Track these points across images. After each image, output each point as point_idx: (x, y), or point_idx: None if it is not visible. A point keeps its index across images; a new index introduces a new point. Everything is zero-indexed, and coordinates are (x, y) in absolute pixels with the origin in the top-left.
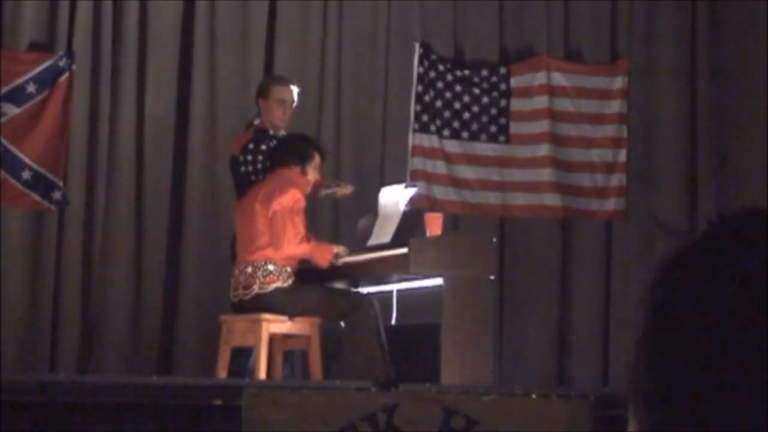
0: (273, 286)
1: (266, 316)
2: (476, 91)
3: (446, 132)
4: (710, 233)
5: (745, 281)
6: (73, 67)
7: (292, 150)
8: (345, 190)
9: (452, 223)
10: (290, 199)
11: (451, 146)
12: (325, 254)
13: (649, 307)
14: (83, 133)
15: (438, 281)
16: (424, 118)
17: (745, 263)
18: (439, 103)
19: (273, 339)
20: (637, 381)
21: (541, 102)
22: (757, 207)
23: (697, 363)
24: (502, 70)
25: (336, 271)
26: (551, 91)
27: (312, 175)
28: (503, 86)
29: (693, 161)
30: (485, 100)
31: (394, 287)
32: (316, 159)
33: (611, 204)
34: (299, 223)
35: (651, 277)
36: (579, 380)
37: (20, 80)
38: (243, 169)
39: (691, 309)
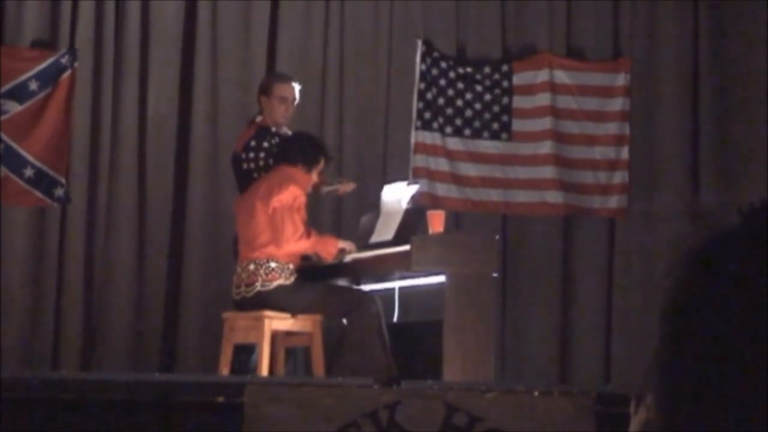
0: (275, 283)
1: (268, 313)
2: (479, 88)
3: (448, 129)
4: (744, 225)
5: None
6: (76, 64)
7: (300, 149)
8: (347, 187)
9: (454, 221)
10: (290, 195)
11: (454, 143)
12: (330, 248)
13: (677, 298)
14: (85, 130)
15: (440, 279)
16: (427, 115)
17: None
18: (441, 101)
19: (275, 336)
20: (659, 377)
21: (543, 99)
22: None
23: (721, 363)
24: (505, 68)
25: (338, 269)
26: (554, 88)
27: (314, 177)
28: (506, 83)
29: (695, 158)
30: (488, 97)
31: (396, 284)
32: (322, 164)
33: (614, 201)
34: (298, 219)
35: (675, 266)
36: (581, 377)
37: (23, 77)
38: (245, 166)
39: (726, 304)
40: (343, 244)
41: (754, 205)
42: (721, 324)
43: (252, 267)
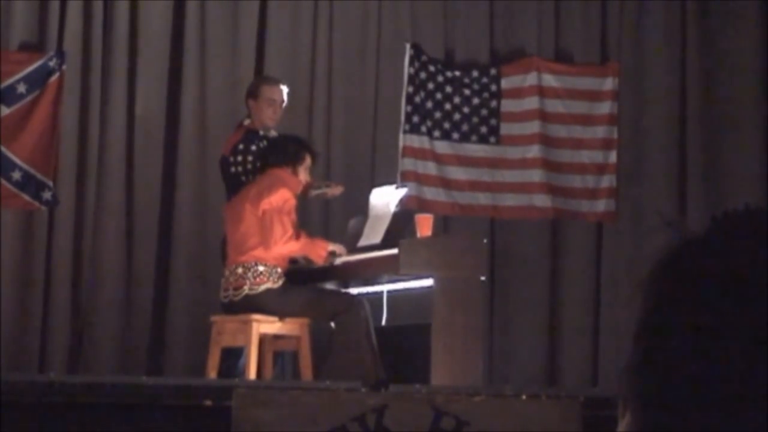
0: (263, 286)
1: (256, 316)
2: (467, 92)
3: (437, 133)
4: (714, 230)
5: (748, 280)
6: (64, 67)
7: (284, 150)
8: (335, 190)
9: (443, 224)
10: (279, 198)
11: (442, 147)
12: (320, 251)
13: (649, 301)
14: (73, 133)
15: (428, 282)
16: (415, 119)
17: (748, 262)
18: (429, 104)
19: (263, 339)
20: (632, 378)
21: (531, 103)
22: (761, 206)
23: (695, 360)
24: (493, 71)
25: (326, 272)
26: (542, 92)
27: (303, 176)
28: (494, 87)
29: (683, 163)
30: (476, 101)
31: (384, 288)
32: (308, 160)
33: (601, 205)
34: (287, 222)
35: (649, 272)
36: (569, 381)
37: (11, 80)
38: (233, 169)
39: (694, 306)
40: (333, 247)
41: (727, 211)
42: (689, 330)
43: (240, 270)
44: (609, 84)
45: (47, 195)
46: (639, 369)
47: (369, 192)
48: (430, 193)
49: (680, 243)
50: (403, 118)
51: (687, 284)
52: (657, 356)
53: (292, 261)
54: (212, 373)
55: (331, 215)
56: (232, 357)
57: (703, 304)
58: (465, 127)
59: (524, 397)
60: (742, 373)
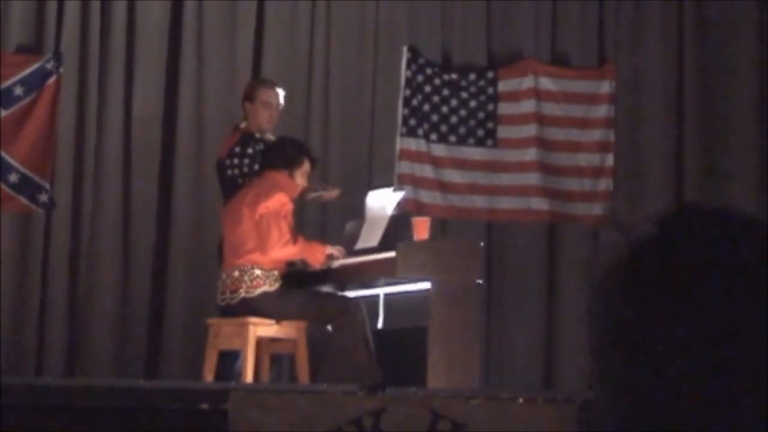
0: (260, 290)
1: (253, 319)
2: (464, 94)
3: (433, 136)
4: (661, 234)
5: (696, 277)
6: (61, 69)
7: (283, 154)
8: (332, 193)
9: (440, 227)
10: (276, 202)
11: (439, 150)
12: (318, 255)
13: (602, 302)
14: (70, 135)
15: (425, 285)
16: (412, 122)
17: (697, 257)
18: (426, 107)
19: (260, 342)
20: (594, 381)
21: (528, 106)
22: (696, 203)
23: (645, 369)
24: (490, 74)
25: (323, 275)
26: (539, 95)
27: (300, 181)
28: (491, 90)
29: (680, 166)
30: (473, 103)
31: (381, 291)
32: (306, 165)
33: (598, 209)
34: (284, 226)
35: (601, 273)
36: (565, 384)
37: (8, 83)
38: (229, 172)
39: (646, 304)
40: (331, 250)
41: (665, 213)
42: (640, 332)
43: (237, 273)
44: (606, 87)
45: (44, 197)
46: (600, 374)
47: (366, 195)
48: (427, 196)
49: (630, 244)
50: (400, 121)
51: (638, 290)
52: (613, 363)
53: (289, 264)
54: (209, 377)
55: (328, 218)
56: (229, 360)
57: (654, 310)
58: (462, 130)
59: (521, 400)
60: (698, 370)
